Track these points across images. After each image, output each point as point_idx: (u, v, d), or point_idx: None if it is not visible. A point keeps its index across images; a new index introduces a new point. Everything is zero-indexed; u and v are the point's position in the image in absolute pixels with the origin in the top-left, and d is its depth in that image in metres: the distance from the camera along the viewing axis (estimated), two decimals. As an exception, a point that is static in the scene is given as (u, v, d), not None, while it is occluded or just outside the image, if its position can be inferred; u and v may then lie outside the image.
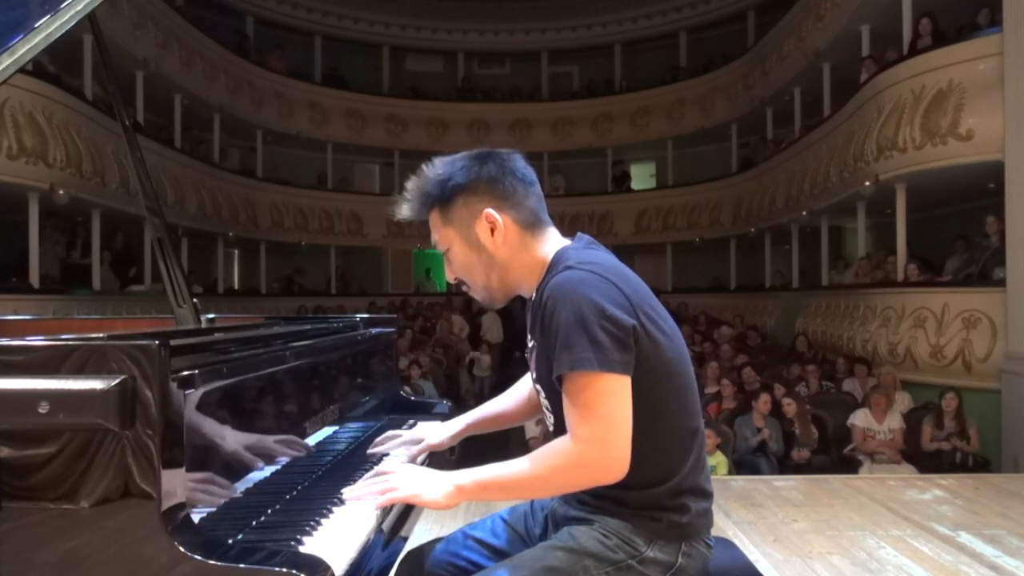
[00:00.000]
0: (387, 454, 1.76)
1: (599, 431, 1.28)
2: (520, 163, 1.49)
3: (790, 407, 6.19)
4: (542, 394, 1.50)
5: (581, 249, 1.46)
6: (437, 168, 1.48)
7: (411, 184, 1.49)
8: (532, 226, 1.47)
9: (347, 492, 1.41)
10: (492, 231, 1.45)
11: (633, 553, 1.37)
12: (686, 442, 1.41)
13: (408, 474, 1.40)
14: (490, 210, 1.44)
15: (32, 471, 1.00)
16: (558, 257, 1.44)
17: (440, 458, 1.85)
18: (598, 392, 1.28)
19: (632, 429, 1.31)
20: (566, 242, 1.50)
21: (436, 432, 1.80)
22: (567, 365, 1.29)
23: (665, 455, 1.39)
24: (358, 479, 1.51)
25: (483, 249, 1.46)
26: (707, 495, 1.45)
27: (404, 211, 1.49)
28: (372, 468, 1.61)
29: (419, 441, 1.78)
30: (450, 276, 1.55)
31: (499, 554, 1.56)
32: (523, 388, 1.81)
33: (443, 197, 1.46)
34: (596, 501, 1.42)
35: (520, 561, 1.41)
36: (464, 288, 1.56)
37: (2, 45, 1.27)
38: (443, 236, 1.49)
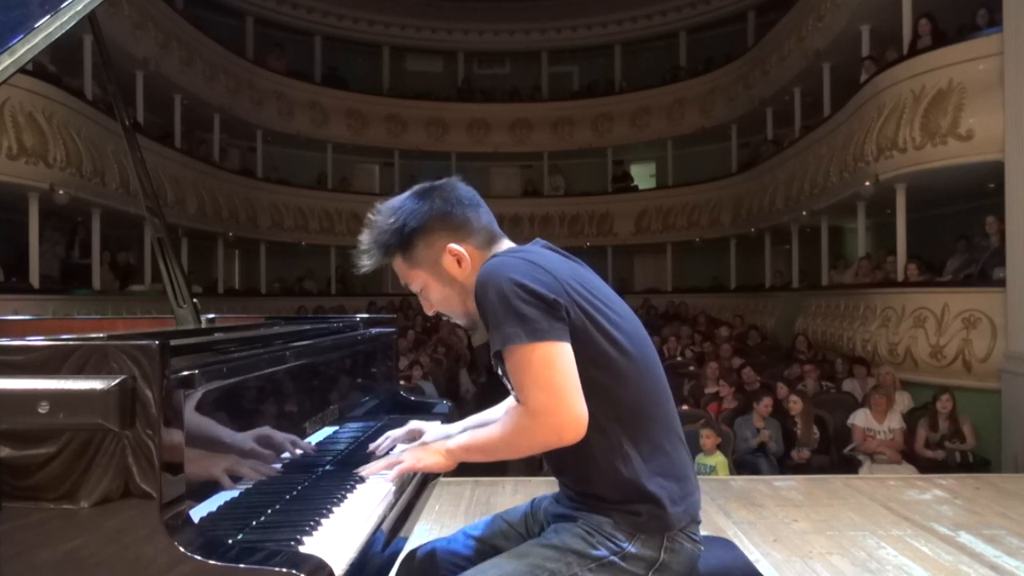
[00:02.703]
0: (389, 450, 1.77)
1: (544, 400, 1.32)
2: (462, 188, 1.54)
3: (796, 404, 6.16)
4: (501, 373, 1.51)
5: (523, 247, 1.51)
6: (387, 216, 1.51)
7: (365, 236, 1.52)
8: (489, 243, 1.53)
9: (361, 470, 1.55)
10: (459, 263, 1.49)
11: (615, 549, 1.39)
12: (643, 422, 1.42)
13: (409, 449, 1.58)
14: (453, 244, 1.49)
15: (32, 471, 1.00)
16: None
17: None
18: (533, 363, 1.32)
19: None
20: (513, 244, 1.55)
21: (437, 432, 1.81)
22: (499, 342, 1.34)
23: (623, 434, 1.40)
24: (358, 479, 1.52)
25: (454, 281, 1.51)
26: (683, 481, 1.44)
27: (365, 263, 1.52)
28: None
29: (419, 435, 1.80)
30: (429, 311, 1.59)
31: (499, 554, 1.56)
32: None
33: (402, 244, 1.50)
34: (581, 498, 1.46)
35: (507, 558, 1.43)
36: (444, 318, 1.60)
37: (2, 45, 1.27)
38: (413, 278, 1.54)
